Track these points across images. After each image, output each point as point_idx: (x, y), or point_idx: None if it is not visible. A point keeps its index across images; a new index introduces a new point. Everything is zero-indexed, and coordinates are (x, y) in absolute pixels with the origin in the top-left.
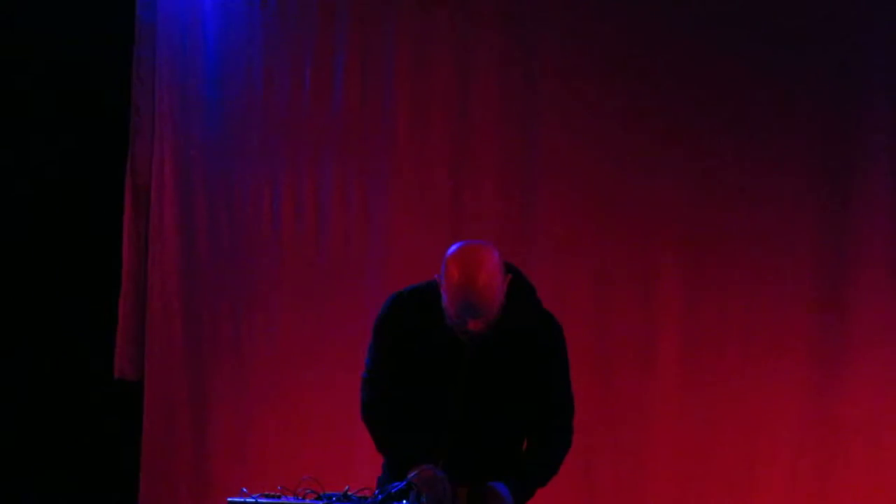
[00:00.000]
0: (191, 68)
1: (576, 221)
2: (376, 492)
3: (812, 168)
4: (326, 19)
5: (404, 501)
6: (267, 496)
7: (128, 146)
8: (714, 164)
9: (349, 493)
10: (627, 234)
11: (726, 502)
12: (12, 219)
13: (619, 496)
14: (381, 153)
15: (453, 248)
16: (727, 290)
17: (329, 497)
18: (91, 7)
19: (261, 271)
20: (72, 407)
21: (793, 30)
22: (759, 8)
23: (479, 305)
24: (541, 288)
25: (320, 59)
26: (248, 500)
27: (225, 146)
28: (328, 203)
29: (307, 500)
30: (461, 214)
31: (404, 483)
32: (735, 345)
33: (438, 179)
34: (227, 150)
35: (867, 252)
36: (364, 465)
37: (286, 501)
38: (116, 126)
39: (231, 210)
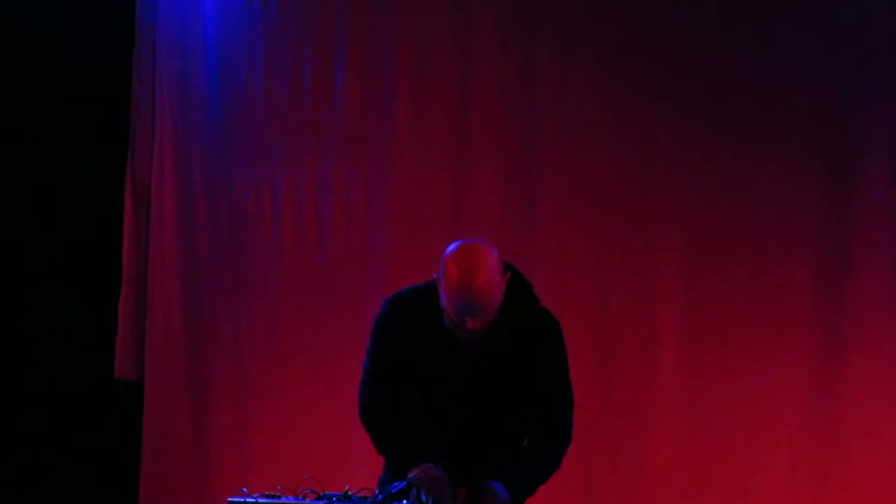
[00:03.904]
0: (191, 68)
1: (576, 221)
2: (377, 492)
3: (812, 167)
4: (326, 19)
5: (404, 501)
6: (267, 496)
7: (128, 146)
8: (714, 163)
9: (349, 493)
10: (627, 234)
11: (727, 500)
12: (12, 218)
13: (619, 495)
14: (382, 153)
15: (452, 246)
16: (727, 289)
17: (329, 497)
18: (91, 7)
19: (261, 271)
20: (72, 407)
21: (793, 29)
22: (758, 8)
23: (478, 304)
24: (541, 287)
25: (320, 59)
26: (248, 500)
27: (225, 146)
28: (328, 203)
29: (307, 500)
30: (461, 214)
31: (404, 483)
32: (735, 343)
33: (438, 179)
34: (227, 150)
35: (867, 251)
36: (364, 465)
37: (286, 501)
38: (116, 126)
39: (231, 210)
